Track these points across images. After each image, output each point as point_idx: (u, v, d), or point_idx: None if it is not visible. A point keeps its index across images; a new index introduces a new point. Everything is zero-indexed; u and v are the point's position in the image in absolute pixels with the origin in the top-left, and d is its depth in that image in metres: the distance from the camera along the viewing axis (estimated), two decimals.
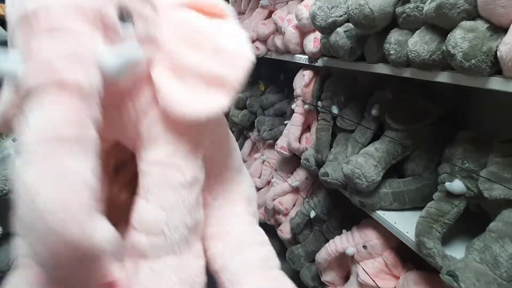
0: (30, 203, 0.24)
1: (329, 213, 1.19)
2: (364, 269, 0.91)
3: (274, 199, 1.45)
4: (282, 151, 1.32)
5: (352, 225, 1.02)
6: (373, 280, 0.88)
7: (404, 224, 0.79)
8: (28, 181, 0.24)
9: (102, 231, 0.27)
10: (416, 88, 0.86)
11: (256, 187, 1.71)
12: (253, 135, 1.93)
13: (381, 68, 0.73)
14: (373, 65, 0.76)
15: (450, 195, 0.65)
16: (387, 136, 0.86)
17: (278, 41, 1.27)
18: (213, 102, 0.35)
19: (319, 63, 1.03)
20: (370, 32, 0.72)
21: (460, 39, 0.49)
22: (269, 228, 1.66)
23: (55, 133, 0.25)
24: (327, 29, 0.81)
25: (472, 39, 0.48)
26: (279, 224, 1.47)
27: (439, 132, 0.81)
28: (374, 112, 0.90)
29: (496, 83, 0.50)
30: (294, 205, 1.46)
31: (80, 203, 0.25)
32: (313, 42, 1.01)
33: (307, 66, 1.15)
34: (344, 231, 1.04)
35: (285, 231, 1.40)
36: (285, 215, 1.45)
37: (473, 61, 0.48)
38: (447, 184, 0.64)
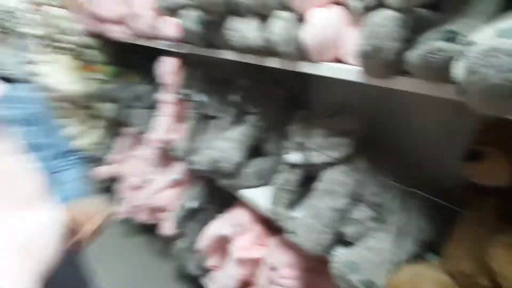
0: None
1: (209, 201, 1.21)
2: (237, 246, 0.97)
3: (153, 197, 1.36)
4: (155, 144, 1.25)
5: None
6: (247, 253, 0.95)
7: (265, 198, 0.88)
8: None
9: None
10: (267, 77, 0.96)
11: (133, 186, 1.57)
12: (127, 130, 1.75)
13: (229, 55, 0.78)
14: (223, 51, 0.80)
15: (291, 166, 0.76)
16: (246, 121, 0.93)
17: (140, 24, 1.17)
18: None
19: (184, 50, 1.00)
20: (215, 18, 0.74)
21: (278, 28, 0.56)
22: (150, 228, 1.56)
23: None
24: (172, 11, 0.79)
25: (287, 28, 0.56)
26: (160, 222, 1.40)
27: (288, 114, 0.93)
28: (234, 98, 0.96)
29: (303, 67, 0.60)
30: (175, 200, 1.42)
31: None
32: (173, 26, 0.97)
33: (168, 53, 1.10)
34: (219, 216, 1.08)
35: (168, 227, 1.34)
36: (166, 211, 1.39)
37: (289, 47, 0.57)
38: (284, 156, 0.74)
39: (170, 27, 0.99)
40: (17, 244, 0.47)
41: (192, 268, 1.23)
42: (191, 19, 0.79)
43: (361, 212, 0.66)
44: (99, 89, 1.84)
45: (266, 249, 0.97)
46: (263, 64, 0.70)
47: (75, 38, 2.16)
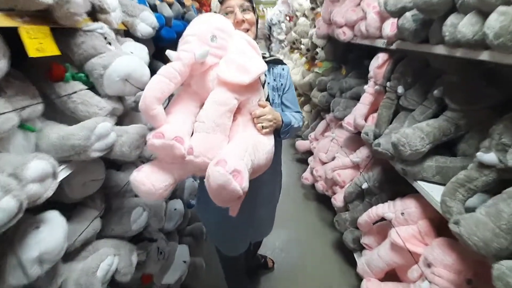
0: None
1: (380, 187, 1.29)
2: (397, 232, 1.01)
3: (334, 170, 1.61)
4: (347, 126, 1.46)
5: None
6: (403, 243, 0.98)
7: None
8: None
9: None
10: (480, 74, 0.89)
11: (322, 161, 1.90)
12: (329, 116, 2.08)
13: (439, 49, 0.82)
14: (433, 46, 0.85)
15: (481, 165, 0.72)
16: (443, 115, 0.92)
17: (362, 26, 1.39)
18: (240, 77, 0.70)
19: (394, 46, 1.13)
20: (433, 17, 0.81)
21: (494, 21, 0.58)
22: (326, 199, 1.83)
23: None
24: (397, 13, 0.92)
25: (503, 21, 0.56)
26: (334, 195, 1.63)
27: (496, 117, 0.84)
28: (436, 92, 0.97)
29: None
30: (351, 181, 1.59)
31: None
32: (390, 26, 1.12)
33: (385, 50, 1.25)
34: (389, 201, 1.14)
35: (338, 200, 1.55)
36: (341, 187, 1.59)
37: (501, 39, 0.57)
38: (478, 153, 0.71)
39: (387, 27, 1.14)
40: (251, 144, 0.70)
41: (348, 240, 1.38)
42: (408, 19, 0.90)
43: None
44: (315, 80, 2.29)
45: (425, 247, 0.95)
46: (476, 58, 0.71)
47: (307, 40, 2.75)
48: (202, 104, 0.72)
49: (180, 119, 0.69)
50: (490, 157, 0.70)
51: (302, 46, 2.94)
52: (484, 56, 0.67)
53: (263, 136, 0.77)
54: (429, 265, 0.86)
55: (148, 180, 0.65)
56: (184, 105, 0.73)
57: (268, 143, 0.78)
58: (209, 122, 0.67)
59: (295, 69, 2.98)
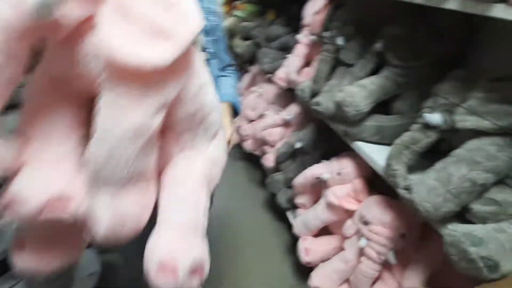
0: None
1: (314, 146, 1.26)
2: (332, 191, 1.01)
3: (263, 130, 1.51)
4: (279, 82, 1.33)
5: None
6: (340, 202, 0.98)
7: (379, 155, 0.85)
8: None
9: None
10: (424, 27, 0.85)
11: (249, 119, 1.76)
12: (255, 68, 1.90)
13: None
14: None
15: (426, 127, 0.70)
16: (385, 72, 0.88)
17: None
18: (156, 53, 0.33)
19: None
20: None
21: None
22: (254, 158, 1.76)
23: None
24: None
25: None
26: (264, 154, 1.56)
27: (437, 74, 0.83)
28: (377, 46, 0.90)
29: (498, 11, 0.51)
30: (282, 139, 1.53)
31: None
32: None
33: None
34: (323, 161, 1.12)
35: (269, 160, 1.49)
36: (272, 146, 1.52)
37: None
38: (425, 114, 0.68)
39: None
40: (205, 174, 0.45)
41: (282, 200, 1.36)
42: None
43: (504, 195, 0.57)
44: (237, 26, 2.01)
45: (359, 204, 0.97)
46: (432, 4, 0.62)
47: None
48: (88, 106, 0.38)
49: (53, 149, 0.37)
50: (436, 117, 0.68)
51: None
52: (451, 4, 0.58)
53: (213, 147, 0.50)
54: (366, 223, 0.88)
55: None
56: (53, 112, 0.37)
57: (222, 154, 0.54)
58: (111, 174, 0.35)
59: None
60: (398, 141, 0.74)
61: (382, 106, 0.91)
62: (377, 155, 0.86)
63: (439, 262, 0.78)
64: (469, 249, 0.51)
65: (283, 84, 1.32)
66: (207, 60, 0.71)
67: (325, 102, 0.97)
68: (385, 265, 0.85)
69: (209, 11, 0.75)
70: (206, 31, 0.73)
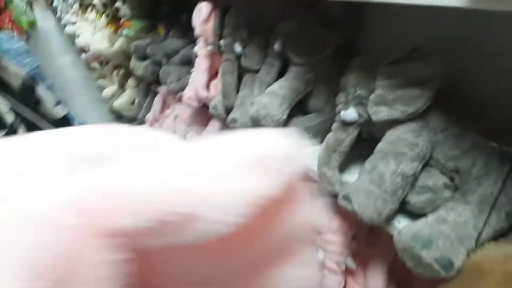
0: None
1: None
2: None
3: None
4: (190, 102, 1.19)
5: None
6: None
7: (311, 158, 0.80)
8: None
9: None
10: (317, 18, 0.81)
11: None
12: (162, 89, 1.71)
13: None
14: None
15: (345, 124, 0.65)
16: (291, 72, 0.82)
17: None
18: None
19: None
20: None
21: None
22: None
23: None
24: None
25: None
26: None
27: (338, 64, 0.80)
28: (276, 47, 0.83)
29: None
30: None
31: None
32: None
33: None
34: None
35: None
36: None
37: None
38: (342, 113, 0.64)
39: None
40: None
41: None
42: None
43: (434, 179, 0.55)
44: (129, 46, 1.79)
45: None
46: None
47: None
48: None
49: None
50: (351, 113, 0.64)
51: (96, 1, 2.20)
52: None
53: None
54: (318, 233, 0.82)
55: None
56: None
57: None
58: None
59: (97, 35, 2.25)
60: (323, 145, 0.69)
61: (299, 106, 0.86)
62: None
63: (393, 250, 0.77)
64: (422, 254, 0.47)
65: (194, 103, 1.19)
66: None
67: (241, 117, 0.88)
68: (347, 273, 0.80)
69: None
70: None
